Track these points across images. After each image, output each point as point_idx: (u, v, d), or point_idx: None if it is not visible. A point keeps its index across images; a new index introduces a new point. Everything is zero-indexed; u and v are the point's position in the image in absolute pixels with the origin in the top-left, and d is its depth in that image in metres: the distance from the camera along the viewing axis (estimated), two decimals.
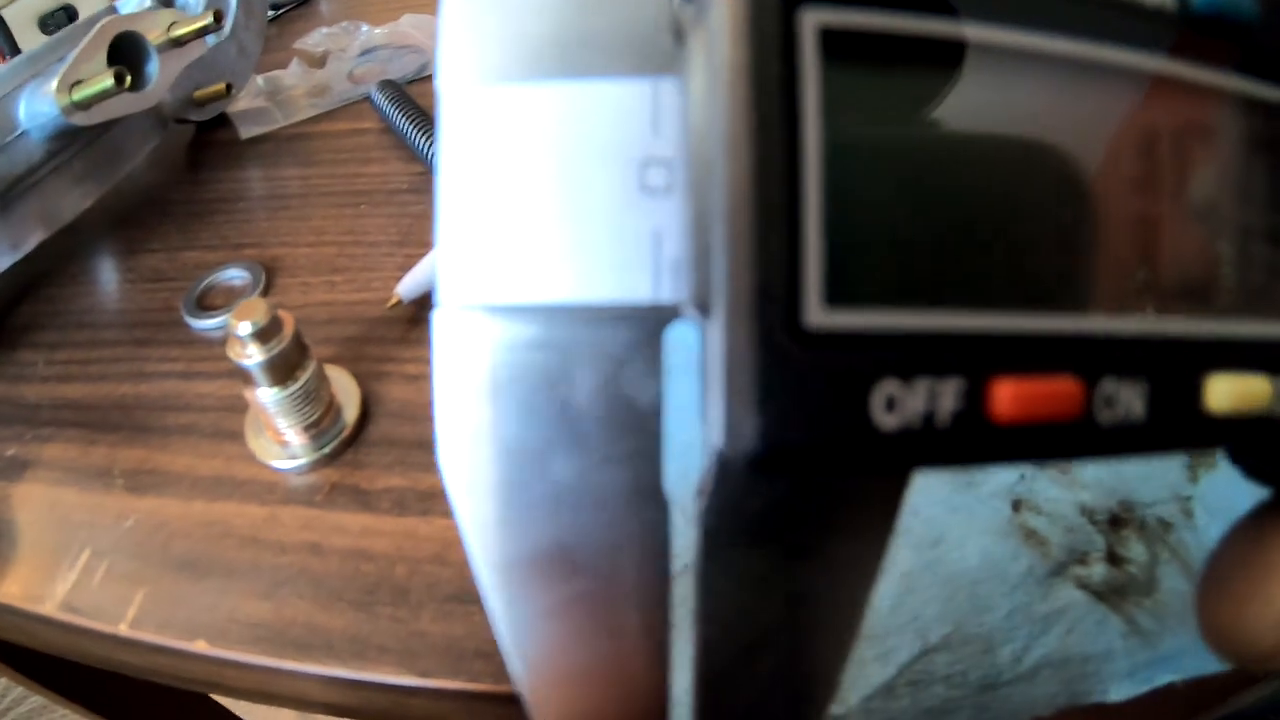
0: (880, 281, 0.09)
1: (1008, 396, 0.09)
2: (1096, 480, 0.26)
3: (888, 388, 0.09)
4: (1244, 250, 0.11)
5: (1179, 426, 0.10)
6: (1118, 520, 0.25)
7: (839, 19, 0.09)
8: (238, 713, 0.59)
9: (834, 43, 0.09)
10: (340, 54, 0.43)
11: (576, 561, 0.10)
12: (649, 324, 0.10)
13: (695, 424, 0.10)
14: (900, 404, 0.09)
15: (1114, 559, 0.24)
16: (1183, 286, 0.11)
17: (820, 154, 0.09)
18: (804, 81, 0.09)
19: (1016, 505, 0.26)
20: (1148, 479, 0.26)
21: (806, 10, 0.09)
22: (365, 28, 0.44)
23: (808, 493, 0.10)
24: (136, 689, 0.46)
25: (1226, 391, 0.11)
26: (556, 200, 0.10)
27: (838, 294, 0.09)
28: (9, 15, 0.58)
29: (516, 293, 0.10)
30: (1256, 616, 0.12)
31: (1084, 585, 0.24)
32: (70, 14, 0.61)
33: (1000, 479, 0.26)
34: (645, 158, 0.10)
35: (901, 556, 0.25)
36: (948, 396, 0.09)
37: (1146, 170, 0.11)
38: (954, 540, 0.25)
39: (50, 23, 0.61)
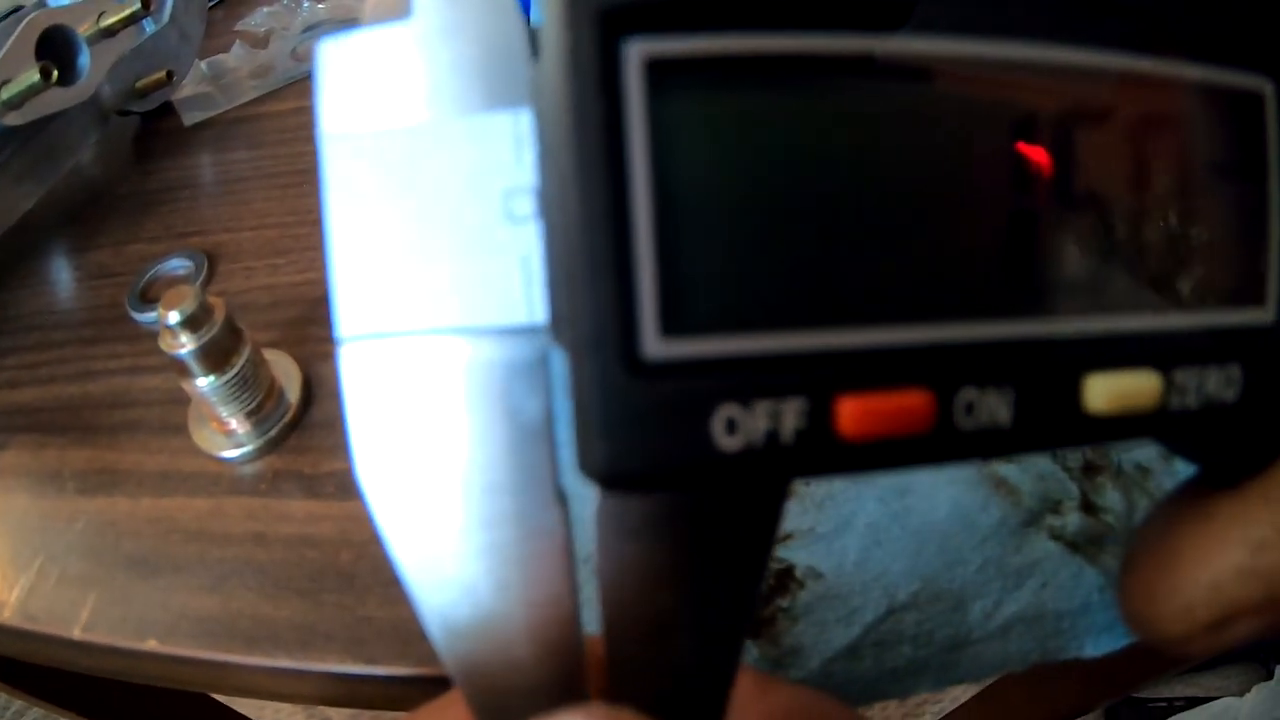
0: (717, 308, 0.09)
1: (853, 414, 0.09)
2: None
3: (727, 411, 0.09)
4: (1131, 238, 0.11)
5: (1054, 430, 0.10)
6: (1092, 467, 0.24)
7: (667, 48, 0.09)
8: (241, 709, 0.59)
9: (663, 73, 0.09)
10: (283, 32, 0.42)
11: (492, 560, 0.11)
12: (530, 345, 0.11)
13: None
14: (741, 426, 0.09)
15: (1089, 508, 0.23)
16: (1058, 283, 0.10)
17: (649, 191, 0.09)
18: (630, 118, 0.09)
19: None
20: None
21: (631, 43, 0.09)
22: (306, 4, 0.43)
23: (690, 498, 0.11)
24: (131, 692, 0.46)
25: (1107, 391, 0.10)
26: (434, 234, 0.11)
27: (673, 325, 0.09)
28: None
29: (406, 322, 0.11)
30: (1164, 603, 0.12)
31: (1058, 536, 0.23)
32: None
33: None
34: (510, 188, 0.11)
35: (867, 509, 0.24)
36: (790, 416, 0.09)
37: (1014, 163, 0.10)
38: (922, 490, 0.24)
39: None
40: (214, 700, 0.55)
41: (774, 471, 0.10)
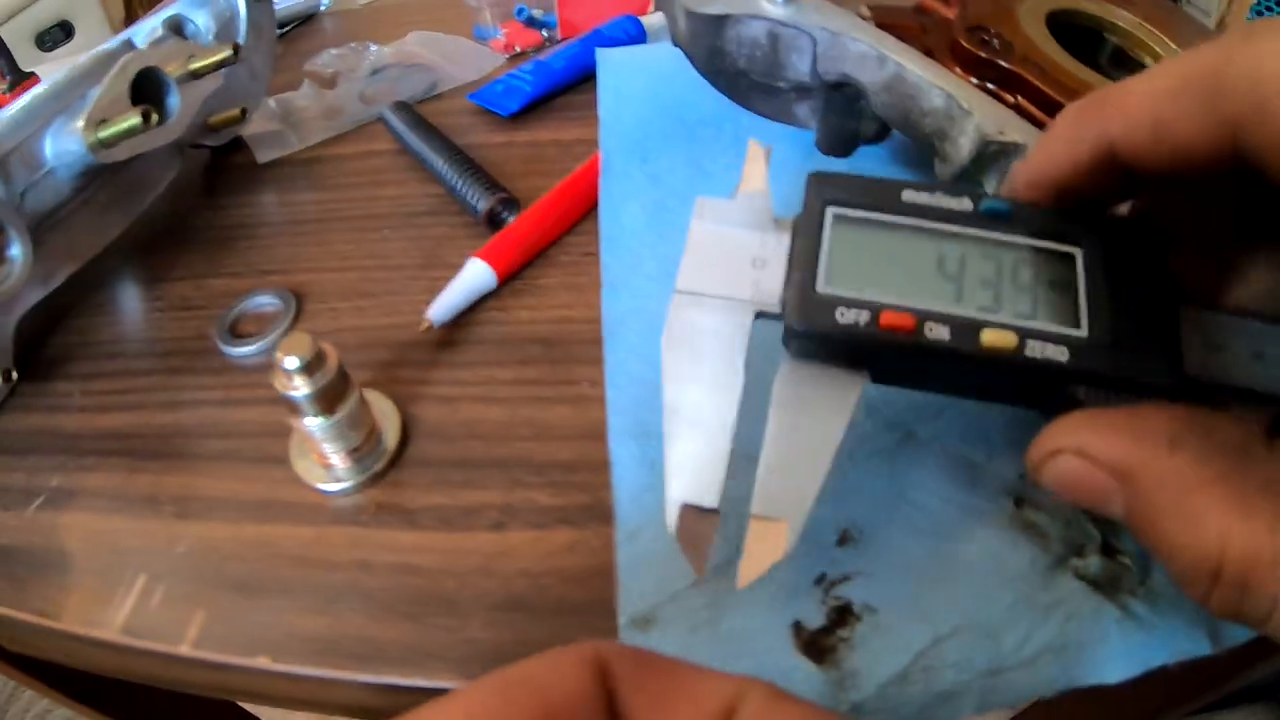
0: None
1: None
2: None
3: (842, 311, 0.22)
4: None
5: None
6: None
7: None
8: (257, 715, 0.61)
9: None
10: (350, 74, 0.44)
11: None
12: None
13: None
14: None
15: (1108, 550, 0.26)
16: None
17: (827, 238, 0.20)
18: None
19: (1019, 502, 0.28)
20: None
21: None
22: (374, 47, 0.45)
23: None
24: (158, 696, 0.47)
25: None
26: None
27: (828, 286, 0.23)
28: (5, 32, 0.58)
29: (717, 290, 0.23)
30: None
31: (1081, 576, 0.26)
32: (67, 30, 0.61)
33: (1003, 478, 0.28)
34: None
35: (914, 553, 0.27)
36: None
37: None
38: (961, 535, 0.27)
39: (47, 39, 0.61)
40: (240, 709, 0.57)
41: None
